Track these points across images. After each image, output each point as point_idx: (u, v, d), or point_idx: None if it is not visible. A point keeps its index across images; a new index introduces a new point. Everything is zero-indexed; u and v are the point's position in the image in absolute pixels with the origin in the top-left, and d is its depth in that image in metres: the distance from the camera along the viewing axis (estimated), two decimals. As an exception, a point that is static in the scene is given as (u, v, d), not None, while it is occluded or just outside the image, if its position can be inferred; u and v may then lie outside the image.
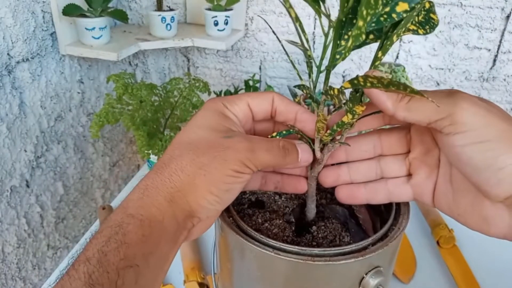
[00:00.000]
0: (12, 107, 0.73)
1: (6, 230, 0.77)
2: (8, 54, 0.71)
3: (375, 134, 0.37)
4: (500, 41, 0.84)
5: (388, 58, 0.92)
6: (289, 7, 0.30)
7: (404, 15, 0.25)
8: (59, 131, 0.86)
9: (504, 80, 0.87)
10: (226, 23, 0.88)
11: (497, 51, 0.85)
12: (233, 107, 0.34)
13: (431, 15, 0.31)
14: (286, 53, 0.34)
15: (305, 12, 0.91)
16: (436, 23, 0.31)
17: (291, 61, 0.33)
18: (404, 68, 0.72)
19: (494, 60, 0.86)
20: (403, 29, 0.28)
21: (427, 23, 0.31)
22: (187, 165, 0.30)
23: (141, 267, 0.27)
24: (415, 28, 0.30)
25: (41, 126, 0.81)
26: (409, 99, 0.29)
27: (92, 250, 0.26)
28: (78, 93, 0.90)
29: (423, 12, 0.30)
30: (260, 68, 1.01)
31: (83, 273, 0.25)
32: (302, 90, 0.33)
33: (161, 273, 0.29)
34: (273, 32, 0.38)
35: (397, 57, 0.92)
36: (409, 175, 0.36)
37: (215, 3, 0.87)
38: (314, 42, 0.93)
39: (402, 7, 0.25)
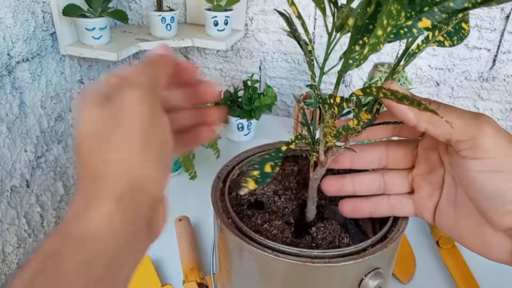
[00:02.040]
0: (12, 107, 0.73)
1: (6, 230, 0.77)
2: (8, 54, 0.71)
3: (382, 145, 0.36)
4: (500, 41, 0.84)
5: (388, 58, 0.92)
6: (291, 4, 0.29)
7: (425, 32, 0.24)
8: (59, 131, 0.86)
9: (504, 80, 0.87)
10: (226, 23, 0.88)
11: (497, 51, 0.85)
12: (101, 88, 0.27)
13: (463, 24, 0.29)
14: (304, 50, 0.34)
15: (305, 12, 0.91)
16: (466, 34, 0.29)
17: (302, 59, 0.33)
18: (404, 68, 0.72)
19: (494, 60, 0.86)
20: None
21: (456, 34, 0.29)
22: (105, 155, 0.25)
23: None
24: (441, 39, 0.29)
25: (41, 126, 0.81)
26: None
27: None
28: (78, 93, 0.90)
29: (454, 21, 0.29)
30: (260, 68, 1.01)
31: None
32: (314, 91, 0.32)
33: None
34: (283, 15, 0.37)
35: (396, 57, 0.92)
36: (412, 191, 0.36)
37: (215, 3, 0.87)
38: (314, 43, 0.93)
39: (424, 23, 0.24)
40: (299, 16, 0.30)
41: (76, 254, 0.21)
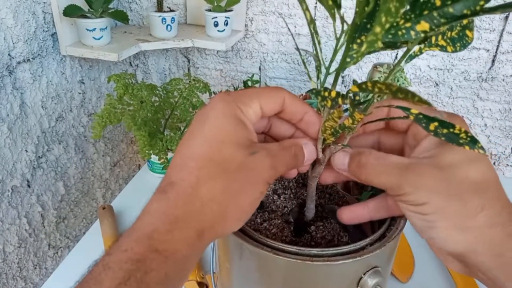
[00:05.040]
0: (13, 107, 0.73)
1: (7, 229, 0.77)
2: (9, 54, 0.71)
3: (375, 134, 0.37)
4: (499, 42, 0.84)
5: (387, 58, 0.92)
6: (305, 9, 0.30)
7: (422, 35, 0.24)
8: (60, 131, 0.87)
9: (503, 80, 0.87)
10: (226, 24, 0.89)
11: (496, 52, 0.85)
12: (247, 111, 0.31)
13: (467, 31, 0.29)
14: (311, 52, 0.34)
15: (303, 14, 0.91)
16: (469, 41, 0.29)
17: (303, 61, 0.33)
18: (403, 69, 0.73)
19: (493, 61, 0.86)
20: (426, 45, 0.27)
21: (460, 40, 0.29)
22: (220, 193, 0.27)
23: None
24: (444, 44, 0.29)
25: (42, 126, 0.81)
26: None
27: (109, 285, 0.24)
28: (79, 93, 0.90)
29: (458, 28, 0.28)
30: (260, 69, 1.01)
31: None
32: (316, 96, 0.32)
33: None
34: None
35: (396, 57, 0.92)
36: None
37: (215, 4, 0.87)
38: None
39: (423, 26, 0.24)
40: (312, 21, 0.30)
41: (161, 268, 0.25)
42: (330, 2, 0.27)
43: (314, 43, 0.32)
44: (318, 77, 0.33)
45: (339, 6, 0.28)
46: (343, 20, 0.28)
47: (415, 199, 0.29)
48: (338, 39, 0.30)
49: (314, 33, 0.31)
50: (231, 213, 0.28)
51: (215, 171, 0.28)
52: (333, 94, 0.28)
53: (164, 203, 0.27)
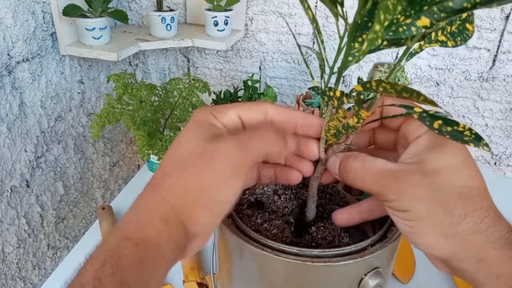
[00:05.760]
0: (12, 107, 0.73)
1: (6, 230, 0.77)
2: (8, 54, 0.71)
3: (371, 131, 0.37)
4: (500, 41, 0.84)
5: (387, 58, 0.92)
6: (307, 8, 0.29)
7: (423, 30, 0.24)
8: (59, 131, 0.86)
9: (504, 80, 0.87)
10: (226, 24, 0.88)
11: (497, 51, 0.85)
12: (222, 117, 0.32)
13: (467, 25, 0.29)
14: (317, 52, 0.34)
15: (304, 13, 0.91)
16: (470, 34, 0.29)
17: (304, 60, 0.33)
18: (404, 68, 0.73)
19: (494, 60, 0.86)
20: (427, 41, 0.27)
21: (460, 34, 0.29)
22: (180, 182, 0.29)
23: None
24: (444, 39, 0.29)
25: (41, 126, 0.81)
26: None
27: (87, 276, 0.25)
28: (78, 93, 0.90)
29: (458, 22, 0.28)
30: (260, 68, 1.01)
31: None
32: (317, 93, 0.32)
33: None
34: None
35: (396, 57, 0.92)
36: None
37: (215, 3, 0.87)
38: (313, 43, 0.93)
39: (423, 22, 0.24)
40: (314, 19, 0.30)
41: (133, 253, 0.26)
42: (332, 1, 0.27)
43: (317, 42, 0.31)
44: (322, 77, 0.33)
45: (341, 4, 0.28)
46: (345, 19, 0.28)
47: (398, 206, 0.29)
48: (341, 38, 0.29)
49: (317, 32, 0.31)
50: (194, 199, 0.29)
51: (176, 164, 0.30)
52: (338, 93, 0.28)
53: (137, 198, 0.30)
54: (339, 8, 0.28)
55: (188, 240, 0.29)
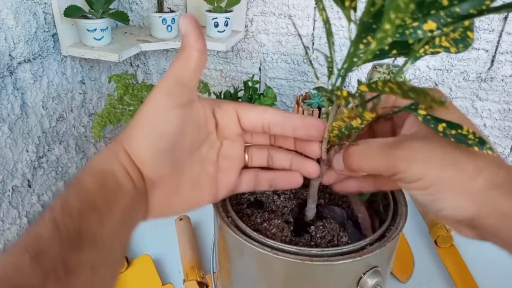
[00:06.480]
0: (14, 107, 0.74)
1: (7, 230, 0.78)
2: (9, 55, 0.71)
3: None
4: (498, 42, 0.84)
5: (386, 59, 0.92)
6: (321, 9, 0.29)
7: (429, 34, 0.25)
8: (61, 131, 0.87)
9: (502, 80, 0.88)
10: (226, 25, 0.89)
11: (495, 52, 0.86)
12: (220, 108, 0.34)
13: (468, 33, 0.29)
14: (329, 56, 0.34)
15: (304, 14, 0.91)
16: (470, 42, 0.29)
17: (310, 62, 0.33)
18: (402, 69, 0.73)
19: (492, 61, 0.87)
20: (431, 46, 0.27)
21: (462, 41, 0.29)
22: (130, 126, 0.32)
23: (104, 213, 0.27)
24: (448, 45, 0.29)
25: (43, 126, 0.82)
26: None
27: (55, 201, 0.27)
28: (80, 93, 0.91)
29: (460, 29, 0.29)
30: (260, 69, 1.02)
31: (48, 219, 0.26)
32: (321, 93, 0.32)
33: (122, 240, 0.29)
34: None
35: (395, 58, 0.92)
36: None
37: (216, 4, 0.87)
38: (313, 43, 0.94)
39: (429, 26, 0.24)
40: (327, 21, 0.30)
41: (94, 180, 0.29)
42: (346, 4, 0.28)
43: (328, 44, 0.32)
44: (329, 78, 0.33)
45: (354, 9, 0.28)
46: (350, 20, 0.28)
47: (410, 176, 0.28)
48: (352, 42, 0.29)
49: (328, 34, 0.31)
50: (135, 127, 0.31)
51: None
52: (344, 93, 0.28)
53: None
54: (351, 12, 0.28)
55: (146, 183, 0.31)
